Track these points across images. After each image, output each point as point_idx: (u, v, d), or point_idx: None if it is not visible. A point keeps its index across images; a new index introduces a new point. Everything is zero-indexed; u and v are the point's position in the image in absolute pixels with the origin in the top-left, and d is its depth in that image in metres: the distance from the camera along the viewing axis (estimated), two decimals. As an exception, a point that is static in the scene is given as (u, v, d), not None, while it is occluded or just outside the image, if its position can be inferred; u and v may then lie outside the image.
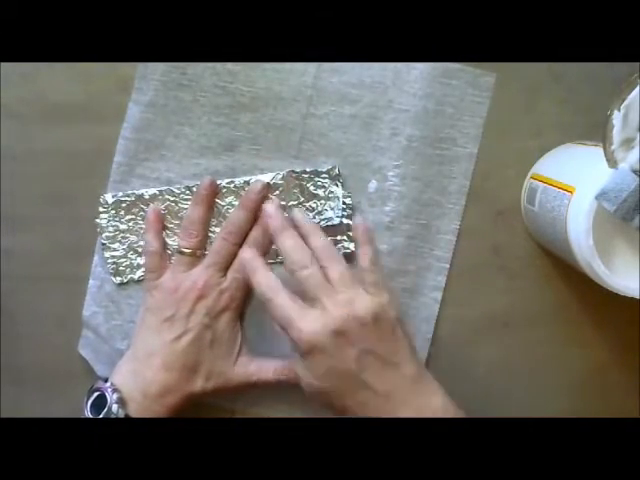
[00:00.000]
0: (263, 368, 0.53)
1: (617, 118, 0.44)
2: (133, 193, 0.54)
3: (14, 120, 0.54)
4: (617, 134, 0.44)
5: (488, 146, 0.55)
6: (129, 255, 0.55)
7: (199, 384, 0.51)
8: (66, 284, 0.55)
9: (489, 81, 0.55)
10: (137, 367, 0.50)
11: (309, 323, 0.46)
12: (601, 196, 0.44)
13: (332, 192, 0.55)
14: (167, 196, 0.54)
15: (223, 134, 0.55)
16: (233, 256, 0.53)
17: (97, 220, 0.55)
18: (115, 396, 0.48)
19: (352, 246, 0.54)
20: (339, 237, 0.55)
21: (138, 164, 0.55)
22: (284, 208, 0.54)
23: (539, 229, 0.53)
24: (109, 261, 0.55)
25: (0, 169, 0.55)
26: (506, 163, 0.56)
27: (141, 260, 0.55)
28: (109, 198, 0.54)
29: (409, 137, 0.55)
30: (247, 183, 0.54)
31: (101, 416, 0.48)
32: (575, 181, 0.47)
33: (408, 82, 0.54)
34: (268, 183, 0.54)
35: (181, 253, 0.53)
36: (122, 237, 0.55)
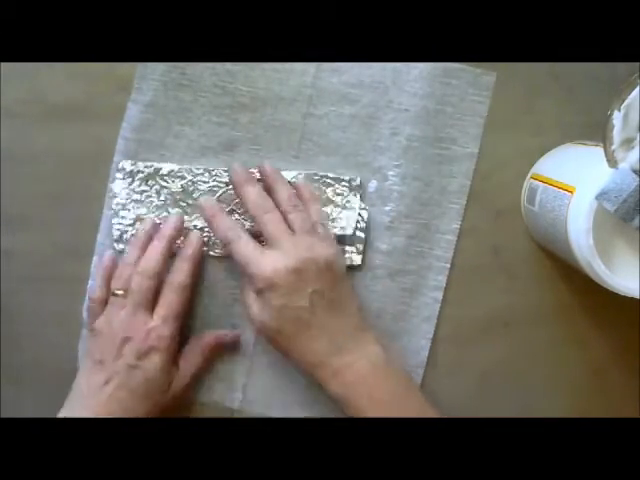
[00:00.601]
0: (196, 355, 0.53)
1: (617, 118, 0.44)
2: (152, 165, 0.54)
3: (14, 120, 0.54)
4: (617, 134, 0.44)
5: (488, 146, 0.55)
6: (136, 225, 0.54)
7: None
8: (66, 284, 0.55)
9: (489, 80, 0.55)
10: (76, 411, 0.49)
11: (269, 261, 0.49)
12: (601, 196, 0.44)
13: (349, 202, 0.55)
14: (185, 174, 0.54)
15: (223, 134, 0.55)
16: (154, 292, 0.51)
17: (111, 185, 0.54)
18: None
19: (359, 259, 0.55)
20: (347, 248, 0.55)
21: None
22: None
23: (539, 229, 0.53)
24: (115, 227, 0.54)
25: (0, 169, 0.55)
26: (506, 163, 0.56)
27: None
28: (127, 165, 0.54)
29: (409, 137, 0.55)
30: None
31: None
32: (575, 181, 0.47)
33: (408, 82, 0.54)
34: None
35: (114, 295, 0.52)
36: (133, 206, 0.54)
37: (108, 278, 0.53)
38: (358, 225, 0.55)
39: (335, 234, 0.54)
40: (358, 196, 0.55)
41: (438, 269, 0.56)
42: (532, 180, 0.54)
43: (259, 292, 0.50)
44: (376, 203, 0.55)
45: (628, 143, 0.45)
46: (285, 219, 0.51)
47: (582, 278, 0.48)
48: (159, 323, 0.51)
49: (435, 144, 0.55)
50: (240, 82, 0.54)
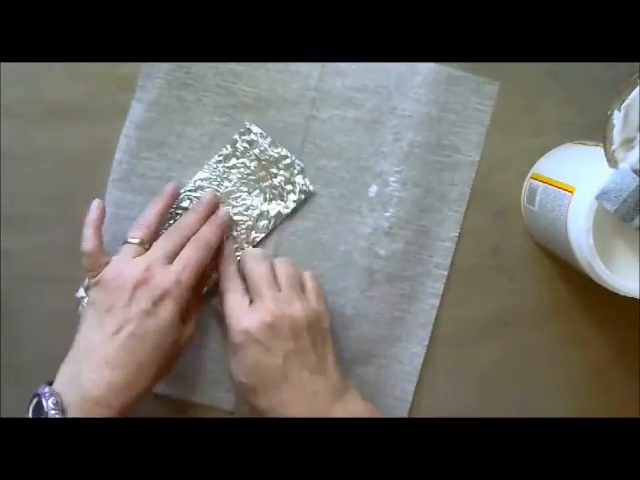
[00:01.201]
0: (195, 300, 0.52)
1: (617, 118, 0.44)
2: None
3: (14, 120, 0.54)
4: (617, 134, 0.44)
5: (488, 146, 0.55)
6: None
7: (149, 380, 0.48)
8: (66, 284, 0.55)
9: (493, 89, 0.55)
10: (76, 368, 0.47)
11: (248, 315, 0.49)
12: (601, 196, 0.44)
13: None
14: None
15: (225, 134, 0.55)
16: (180, 248, 0.50)
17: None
18: (51, 402, 0.45)
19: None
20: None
21: (139, 163, 0.55)
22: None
23: (539, 229, 0.53)
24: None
25: (0, 169, 0.54)
26: (506, 163, 0.56)
27: None
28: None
29: (411, 143, 0.55)
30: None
31: None
32: (575, 181, 0.47)
33: (412, 88, 0.54)
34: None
35: (128, 243, 0.50)
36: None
37: (99, 228, 0.50)
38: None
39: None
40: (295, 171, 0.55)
41: (436, 276, 0.56)
42: (532, 180, 0.54)
43: (235, 347, 0.49)
44: (376, 208, 0.55)
45: (628, 143, 0.45)
46: (273, 270, 0.51)
47: (582, 278, 0.48)
48: (178, 269, 0.49)
49: (437, 151, 0.55)
50: (244, 83, 0.54)
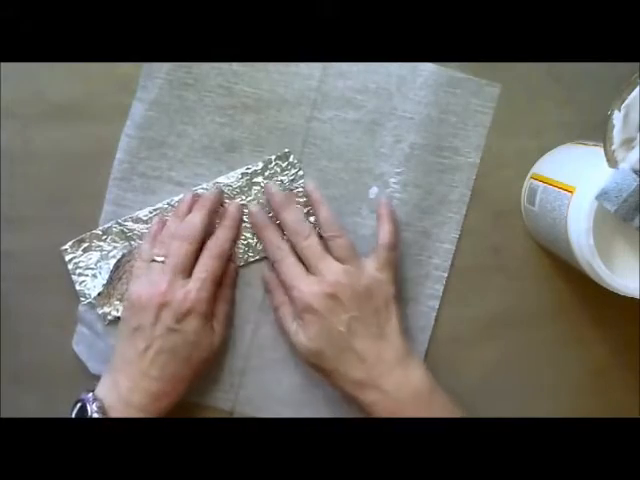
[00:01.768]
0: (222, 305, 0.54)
1: (617, 118, 0.44)
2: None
3: (14, 120, 0.54)
4: (617, 134, 0.44)
5: (488, 146, 0.55)
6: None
7: (183, 387, 0.51)
8: (66, 284, 0.55)
9: (494, 92, 0.55)
10: (116, 377, 0.50)
11: (308, 285, 0.50)
12: (601, 196, 0.44)
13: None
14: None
15: (226, 135, 0.55)
16: (192, 258, 0.52)
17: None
18: (95, 406, 0.48)
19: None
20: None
21: (140, 162, 0.55)
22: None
23: (539, 229, 0.53)
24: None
25: (0, 169, 0.54)
26: (506, 163, 0.56)
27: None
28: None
29: (412, 144, 0.55)
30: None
31: None
32: (575, 181, 0.47)
33: (413, 89, 0.54)
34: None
35: (154, 261, 0.52)
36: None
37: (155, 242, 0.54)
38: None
39: None
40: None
41: (436, 278, 0.56)
42: (532, 180, 0.54)
43: (299, 315, 0.51)
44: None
45: (628, 143, 0.45)
46: (325, 244, 0.52)
47: (582, 278, 0.48)
48: (197, 286, 0.51)
49: (437, 153, 0.55)
50: (245, 83, 0.54)
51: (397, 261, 0.52)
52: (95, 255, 0.55)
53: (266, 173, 0.55)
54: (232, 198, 0.55)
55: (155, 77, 0.54)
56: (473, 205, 0.56)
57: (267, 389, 0.56)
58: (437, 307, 0.56)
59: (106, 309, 0.55)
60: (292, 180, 0.55)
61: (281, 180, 0.55)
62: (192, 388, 0.53)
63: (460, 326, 0.56)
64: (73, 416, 0.49)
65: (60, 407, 0.50)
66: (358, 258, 0.51)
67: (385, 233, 0.52)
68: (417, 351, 0.55)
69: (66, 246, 0.55)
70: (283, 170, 0.55)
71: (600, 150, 0.45)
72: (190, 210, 0.53)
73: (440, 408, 0.50)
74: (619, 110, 0.44)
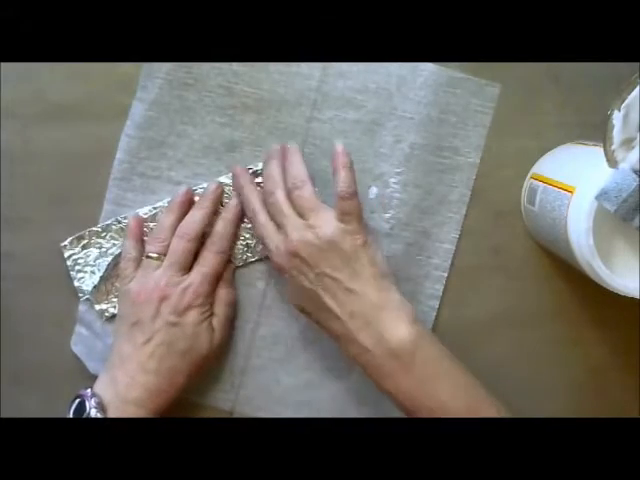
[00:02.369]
0: (222, 306, 0.54)
1: (617, 118, 0.44)
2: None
3: (14, 120, 0.54)
4: (617, 134, 0.44)
5: (488, 146, 0.55)
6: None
7: (181, 383, 0.51)
8: (66, 284, 0.55)
9: (494, 92, 0.55)
10: (114, 374, 0.50)
11: (275, 244, 0.50)
12: (601, 196, 0.44)
13: None
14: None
15: (226, 135, 0.55)
16: (192, 254, 0.52)
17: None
18: (94, 402, 0.49)
19: None
20: None
21: (140, 162, 0.55)
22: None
23: (539, 229, 0.53)
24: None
25: (0, 169, 0.54)
26: (506, 163, 0.56)
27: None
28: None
29: (412, 144, 0.55)
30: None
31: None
32: (575, 181, 0.48)
33: (413, 89, 0.54)
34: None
35: (148, 257, 0.52)
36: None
37: (140, 239, 0.54)
38: None
39: None
40: None
41: (435, 278, 0.56)
42: (532, 180, 0.54)
43: (276, 272, 0.52)
44: (376, 210, 0.55)
45: (628, 143, 0.45)
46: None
47: (582, 278, 0.48)
48: (196, 281, 0.52)
49: (437, 153, 0.55)
50: (245, 83, 0.54)
51: (359, 208, 0.49)
52: (94, 252, 0.55)
53: None
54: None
55: (155, 77, 0.54)
56: (473, 205, 0.56)
57: (267, 389, 0.56)
58: (437, 307, 0.56)
59: (103, 306, 0.55)
60: None
61: None
62: (191, 387, 0.53)
63: (460, 326, 0.56)
64: (72, 412, 0.49)
65: (60, 407, 0.50)
66: (320, 210, 0.49)
67: (338, 182, 0.49)
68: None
69: (65, 242, 0.55)
70: None
71: (600, 150, 0.45)
72: (184, 204, 0.53)
73: (422, 367, 0.47)
74: (619, 110, 0.44)
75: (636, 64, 0.45)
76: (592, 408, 0.57)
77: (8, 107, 0.54)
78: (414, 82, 0.54)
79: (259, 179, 0.55)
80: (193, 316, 0.51)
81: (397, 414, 0.56)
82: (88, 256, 0.55)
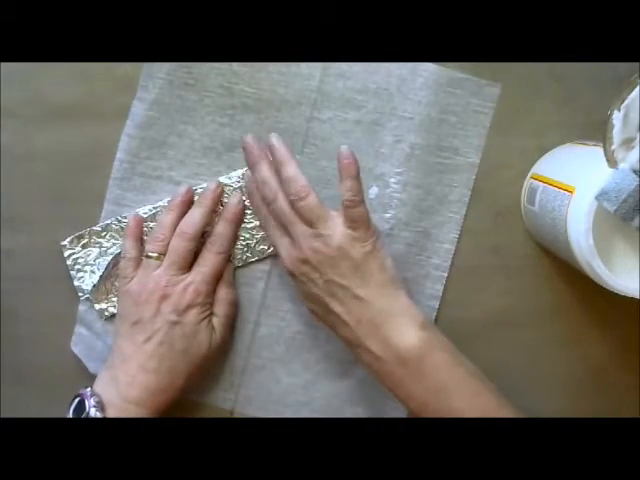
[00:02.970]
0: (223, 306, 0.54)
1: (617, 118, 0.44)
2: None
3: (14, 120, 0.54)
4: (617, 134, 0.44)
5: (488, 146, 0.55)
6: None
7: (181, 383, 0.51)
8: (66, 284, 0.55)
9: (494, 92, 0.55)
10: (114, 373, 0.51)
11: (284, 251, 0.51)
12: (601, 196, 0.44)
13: None
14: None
15: (226, 135, 0.55)
16: (191, 253, 0.53)
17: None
18: (93, 401, 0.49)
19: None
20: None
21: (140, 162, 0.55)
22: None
23: (539, 229, 0.53)
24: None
25: (0, 169, 0.54)
26: (506, 163, 0.56)
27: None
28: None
29: (412, 145, 0.55)
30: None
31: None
32: (575, 181, 0.48)
33: (413, 90, 0.54)
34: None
35: (148, 257, 0.52)
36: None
37: (139, 238, 0.54)
38: None
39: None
40: None
41: (435, 278, 0.56)
42: (532, 180, 0.54)
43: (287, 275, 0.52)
44: (376, 210, 0.55)
45: (628, 143, 0.45)
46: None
47: (582, 278, 0.48)
48: (197, 280, 0.52)
49: (437, 153, 0.55)
50: (245, 83, 0.54)
51: (367, 215, 0.49)
52: (94, 251, 0.55)
53: None
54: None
55: (155, 77, 0.54)
56: (473, 205, 0.56)
57: (267, 389, 0.56)
58: (437, 307, 0.56)
59: (103, 305, 0.55)
60: None
61: None
62: (192, 387, 0.53)
63: (460, 326, 0.56)
64: (71, 411, 0.49)
65: (60, 407, 0.50)
66: (327, 218, 0.49)
67: (345, 191, 0.48)
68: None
69: (65, 242, 0.55)
70: None
71: (600, 150, 0.45)
72: (184, 203, 0.53)
73: (433, 374, 0.47)
74: (619, 110, 0.44)
75: (636, 64, 0.45)
76: (592, 408, 0.57)
77: (8, 107, 0.54)
78: (414, 82, 0.54)
79: None
80: (193, 315, 0.51)
81: (397, 414, 0.56)
82: (88, 255, 0.55)
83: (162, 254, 0.52)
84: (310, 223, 0.49)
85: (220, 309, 0.54)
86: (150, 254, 0.52)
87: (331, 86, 0.55)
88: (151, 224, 0.54)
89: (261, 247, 0.55)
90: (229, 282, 0.55)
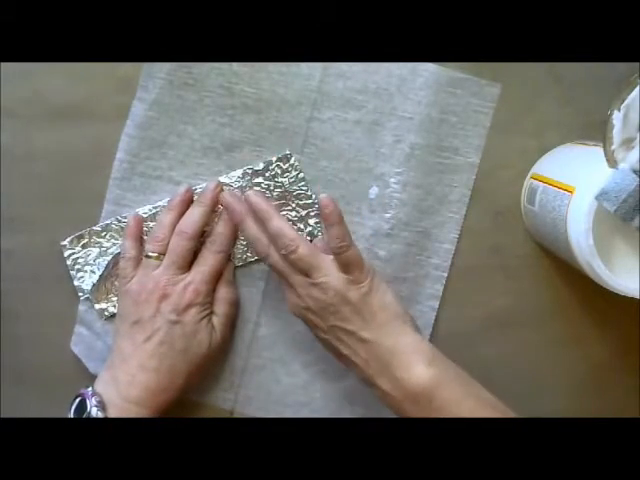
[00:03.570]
0: (223, 305, 0.54)
1: (617, 118, 0.44)
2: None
3: (14, 120, 0.54)
4: (617, 134, 0.44)
5: (488, 146, 0.55)
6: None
7: (181, 382, 0.51)
8: (66, 284, 0.55)
9: (494, 92, 0.55)
10: (114, 373, 0.51)
11: (289, 299, 0.52)
12: (601, 196, 0.44)
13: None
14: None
15: (226, 135, 0.55)
16: (191, 253, 0.53)
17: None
18: (94, 400, 0.49)
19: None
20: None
21: (140, 162, 0.55)
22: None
23: (539, 229, 0.53)
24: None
25: (0, 169, 0.54)
26: (506, 163, 0.56)
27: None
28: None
29: (412, 145, 0.55)
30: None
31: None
32: (575, 181, 0.48)
33: (413, 89, 0.54)
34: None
35: (147, 257, 0.53)
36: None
37: (139, 238, 0.54)
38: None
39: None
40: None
41: (435, 278, 0.56)
42: (532, 180, 0.54)
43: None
44: (376, 210, 0.55)
45: (628, 143, 0.45)
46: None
47: (582, 278, 0.48)
48: (197, 279, 0.52)
49: (437, 153, 0.55)
50: (245, 83, 0.54)
51: (358, 256, 0.49)
52: (94, 251, 0.55)
53: (267, 174, 0.55)
54: None
55: (155, 77, 0.54)
56: (473, 205, 0.56)
57: (267, 389, 0.56)
58: (437, 307, 0.56)
59: (103, 305, 0.55)
60: (292, 182, 0.55)
61: (281, 182, 0.55)
62: (192, 386, 0.53)
63: (460, 326, 0.56)
64: (72, 411, 0.49)
65: (60, 407, 0.50)
66: (320, 264, 0.49)
67: (332, 238, 0.49)
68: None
69: (65, 242, 0.55)
70: (284, 172, 0.55)
71: (600, 150, 0.45)
72: (183, 203, 0.54)
73: (443, 410, 0.47)
74: (619, 110, 0.44)
75: (636, 64, 0.45)
76: (592, 408, 0.57)
77: (8, 107, 0.54)
78: (414, 82, 0.54)
79: (259, 179, 0.55)
80: (193, 314, 0.52)
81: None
82: (88, 255, 0.55)
83: (162, 254, 0.52)
84: (305, 273, 0.50)
85: (220, 308, 0.54)
86: (150, 254, 0.52)
87: (331, 86, 0.55)
88: (151, 224, 0.54)
89: None
90: (229, 281, 0.55)
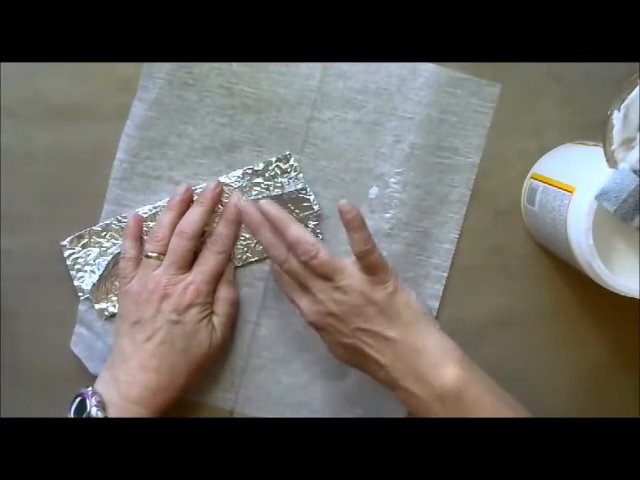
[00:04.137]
0: (223, 305, 0.54)
1: (617, 118, 0.44)
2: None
3: (14, 120, 0.54)
4: (617, 134, 0.44)
5: (488, 146, 0.55)
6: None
7: (181, 382, 0.51)
8: (66, 284, 0.55)
9: (494, 92, 0.55)
10: (115, 373, 0.51)
11: (305, 306, 0.50)
12: (601, 196, 0.44)
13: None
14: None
15: (226, 135, 0.55)
16: (191, 253, 0.53)
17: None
18: (94, 400, 0.49)
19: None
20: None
21: (140, 162, 0.55)
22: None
23: (539, 229, 0.53)
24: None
25: (0, 169, 0.54)
26: (506, 163, 0.56)
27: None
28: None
29: (412, 145, 0.55)
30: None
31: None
32: (575, 181, 0.48)
33: (413, 89, 0.54)
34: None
35: (147, 257, 0.52)
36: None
37: (139, 238, 0.54)
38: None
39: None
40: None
41: (436, 278, 0.56)
42: (532, 180, 0.54)
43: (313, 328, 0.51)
44: (376, 210, 0.55)
45: (628, 143, 0.45)
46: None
47: (582, 278, 0.48)
48: (197, 279, 0.52)
49: (437, 153, 0.55)
50: (245, 84, 0.54)
51: (381, 258, 0.48)
52: (94, 251, 0.55)
53: (266, 174, 0.55)
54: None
55: (155, 77, 0.54)
56: (473, 205, 0.56)
57: (267, 389, 0.56)
58: (437, 307, 0.56)
59: (103, 305, 0.55)
60: (290, 183, 0.55)
61: (281, 182, 0.55)
62: (192, 386, 0.53)
63: (460, 326, 0.56)
64: (72, 410, 0.49)
65: (60, 407, 0.50)
66: (342, 268, 0.48)
67: (355, 244, 0.48)
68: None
69: (65, 242, 0.55)
70: (283, 172, 0.55)
71: (600, 150, 0.45)
72: (183, 202, 0.53)
73: (470, 410, 0.46)
74: (619, 110, 0.44)
75: (636, 64, 0.45)
76: (592, 408, 0.57)
77: (8, 107, 0.54)
78: (414, 82, 0.54)
79: (259, 179, 0.55)
80: (194, 314, 0.52)
81: (397, 414, 0.56)
82: (88, 255, 0.55)
83: (162, 254, 0.52)
84: (326, 277, 0.49)
85: (221, 308, 0.54)
86: (150, 254, 0.52)
87: (331, 86, 0.55)
88: (151, 224, 0.54)
89: (261, 247, 0.55)
90: (230, 281, 0.55)
